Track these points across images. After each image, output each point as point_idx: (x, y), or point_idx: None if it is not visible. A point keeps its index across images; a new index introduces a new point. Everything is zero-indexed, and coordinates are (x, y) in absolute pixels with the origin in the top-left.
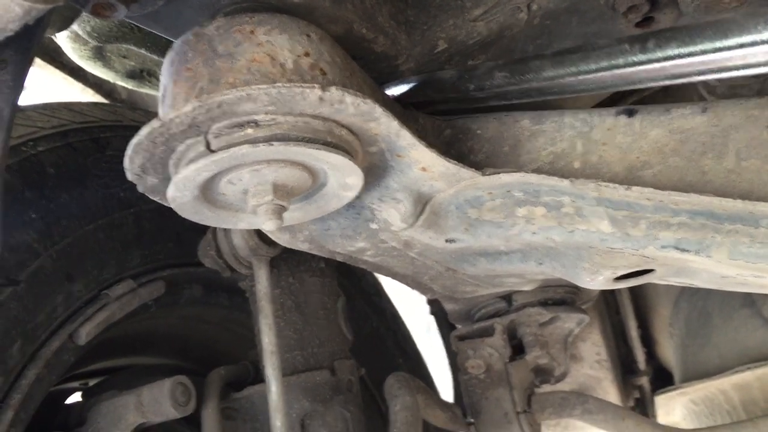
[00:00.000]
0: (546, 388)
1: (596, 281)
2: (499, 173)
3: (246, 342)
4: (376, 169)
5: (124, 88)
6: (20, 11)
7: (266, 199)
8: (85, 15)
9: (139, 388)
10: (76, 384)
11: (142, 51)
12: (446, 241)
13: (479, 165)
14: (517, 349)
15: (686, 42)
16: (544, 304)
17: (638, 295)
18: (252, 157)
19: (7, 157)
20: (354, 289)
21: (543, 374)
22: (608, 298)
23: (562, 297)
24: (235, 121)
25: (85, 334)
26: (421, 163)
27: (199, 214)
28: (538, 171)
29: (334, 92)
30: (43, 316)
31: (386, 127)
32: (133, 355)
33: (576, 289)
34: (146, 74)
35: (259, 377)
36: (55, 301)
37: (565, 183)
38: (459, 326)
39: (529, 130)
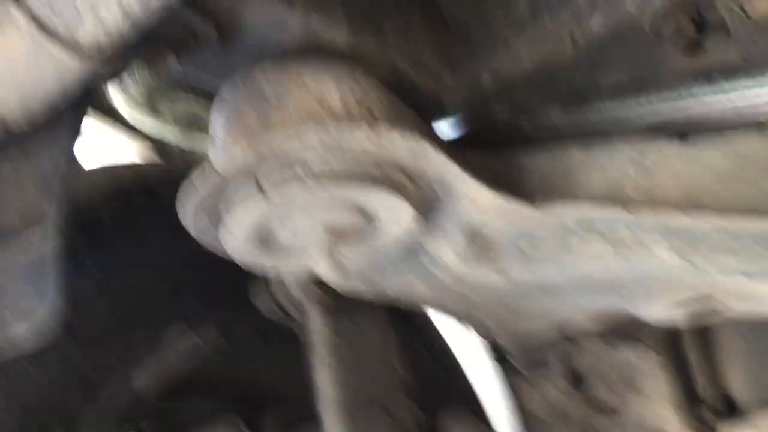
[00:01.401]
0: (605, 423)
1: (656, 312)
2: (552, 205)
3: (304, 386)
4: (426, 205)
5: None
6: (80, 73)
7: (318, 239)
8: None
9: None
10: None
11: (191, 99)
12: (499, 275)
13: (530, 197)
14: (576, 383)
15: (754, 73)
16: (604, 336)
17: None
18: (303, 197)
19: (64, 205)
20: (404, 325)
21: (601, 409)
22: (668, 327)
23: (622, 328)
24: (285, 162)
25: (141, 381)
26: (470, 197)
27: (251, 257)
28: (591, 200)
29: (383, 130)
30: (99, 364)
31: (435, 163)
32: (187, 400)
33: (636, 320)
34: (196, 121)
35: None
36: (112, 348)
37: (621, 211)
38: (514, 361)
39: (580, 159)
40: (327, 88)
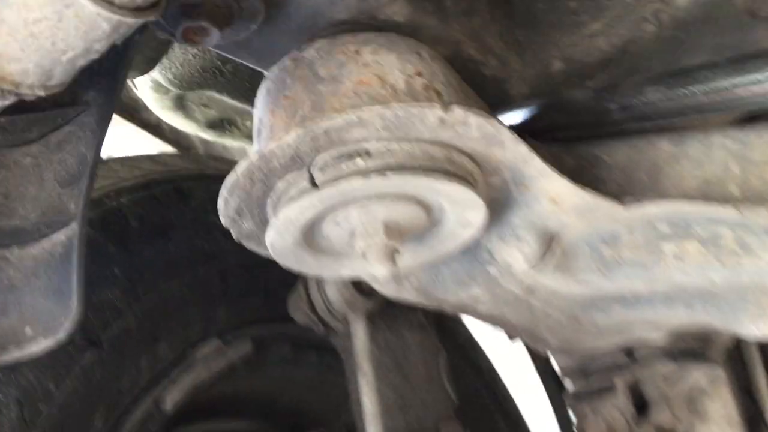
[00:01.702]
0: None
1: (764, 329)
2: (642, 203)
3: (337, 403)
4: (496, 203)
5: (202, 143)
6: (107, 27)
7: (377, 240)
8: (166, 61)
9: None
10: None
11: (224, 98)
12: (577, 285)
13: (613, 195)
14: (642, 408)
15: None
16: (672, 355)
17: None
18: (363, 191)
19: (89, 204)
20: (449, 344)
21: None
22: (732, 347)
23: (692, 347)
24: (343, 151)
25: (171, 399)
26: (550, 194)
27: (300, 262)
28: (685, 198)
29: (457, 112)
30: (127, 380)
31: (513, 152)
32: (218, 419)
33: (707, 339)
34: (227, 123)
35: None
36: (140, 363)
37: (729, 211)
38: (572, 382)
39: (670, 154)
40: (389, 65)
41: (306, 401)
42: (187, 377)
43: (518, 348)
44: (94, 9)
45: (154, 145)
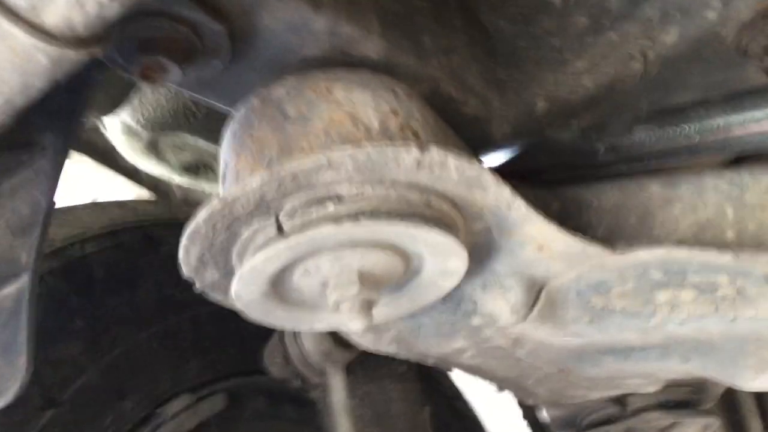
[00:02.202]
0: None
1: (764, 381)
2: (634, 249)
3: None
4: (479, 250)
5: (179, 188)
6: (46, 62)
7: (351, 291)
8: (137, 103)
9: None
10: None
11: (198, 141)
12: (567, 337)
13: (602, 241)
14: None
15: None
16: (665, 407)
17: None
18: (335, 239)
19: (41, 258)
20: (433, 394)
21: None
22: (725, 394)
23: (686, 398)
24: (312, 196)
25: None
26: (537, 240)
27: (268, 314)
28: (680, 245)
29: (435, 153)
30: None
31: (495, 196)
32: None
33: (701, 388)
34: (203, 168)
35: None
36: (104, 423)
37: (726, 257)
38: None
39: (662, 197)
40: (362, 104)
41: None
42: None
43: (505, 396)
44: (28, 41)
45: (132, 192)
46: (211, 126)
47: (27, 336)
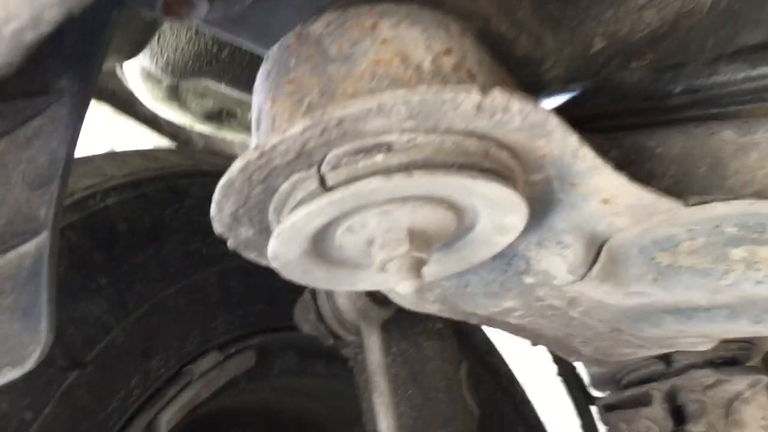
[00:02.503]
0: None
1: None
2: (710, 202)
3: (347, 415)
4: (536, 204)
5: (201, 136)
6: None
7: (400, 250)
8: (157, 47)
9: None
10: None
11: (221, 87)
12: (628, 296)
13: (667, 192)
14: (680, 420)
15: None
16: (713, 364)
17: None
18: (383, 193)
19: (61, 210)
20: (466, 349)
21: None
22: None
23: (734, 355)
24: (359, 146)
25: (166, 421)
26: (603, 192)
27: (308, 275)
28: (758, 197)
29: (498, 96)
30: (116, 402)
31: (560, 145)
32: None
33: (750, 345)
34: (226, 115)
35: None
36: (130, 383)
37: None
38: (600, 392)
39: (736, 144)
40: (412, 42)
41: (313, 413)
42: (184, 396)
43: (540, 351)
44: None
45: (152, 141)
46: (235, 71)
47: (48, 298)
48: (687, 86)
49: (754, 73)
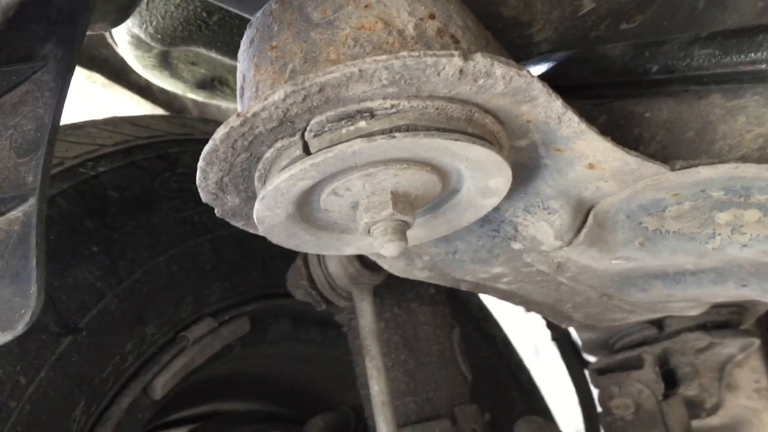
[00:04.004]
0: (695, 423)
1: None
2: (696, 166)
3: (341, 381)
4: (522, 170)
5: (195, 104)
6: None
7: (384, 213)
8: (146, 13)
9: None
10: None
11: (212, 54)
12: (614, 261)
13: (655, 157)
14: (668, 381)
15: None
16: (705, 327)
17: None
18: (366, 156)
19: (49, 176)
20: (460, 315)
21: (692, 407)
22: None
23: (727, 319)
24: (342, 112)
25: (161, 386)
26: (588, 157)
27: (294, 239)
28: (744, 160)
29: (480, 61)
30: (110, 368)
31: (545, 110)
32: (216, 402)
33: (742, 309)
34: (218, 83)
35: (361, 424)
36: (124, 349)
37: None
38: (592, 356)
39: (723, 108)
40: (395, 6)
41: (308, 379)
42: (178, 361)
43: (534, 317)
44: None
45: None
46: (225, 38)
47: (37, 262)
48: (663, 66)
49: (725, 59)
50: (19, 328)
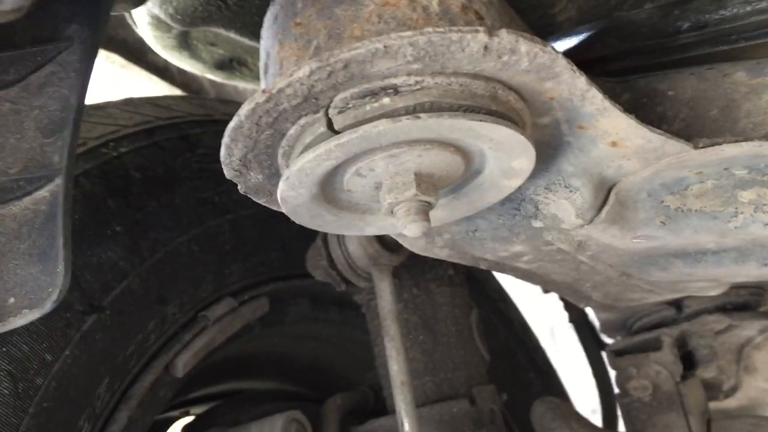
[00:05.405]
0: (712, 405)
1: None
2: (720, 144)
3: (360, 361)
4: (544, 147)
5: (213, 85)
6: None
7: (407, 194)
8: None
9: (247, 425)
10: (175, 413)
11: (232, 34)
12: (636, 239)
13: (678, 135)
14: (686, 363)
15: None
16: (724, 309)
17: None
18: (391, 136)
19: (75, 156)
20: (478, 297)
21: (709, 389)
22: None
23: (746, 300)
24: (366, 88)
25: (183, 364)
26: (611, 135)
27: (317, 219)
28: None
29: (505, 38)
30: (133, 346)
31: (569, 87)
32: (236, 380)
33: (761, 290)
34: (236, 63)
35: (379, 404)
36: (147, 327)
37: None
38: (610, 338)
39: (747, 86)
40: None
41: (327, 359)
42: (199, 341)
43: (551, 298)
44: None
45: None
46: (244, 18)
47: (64, 242)
48: (694, 22)
49: (761, 5)
50: (47, 307)
